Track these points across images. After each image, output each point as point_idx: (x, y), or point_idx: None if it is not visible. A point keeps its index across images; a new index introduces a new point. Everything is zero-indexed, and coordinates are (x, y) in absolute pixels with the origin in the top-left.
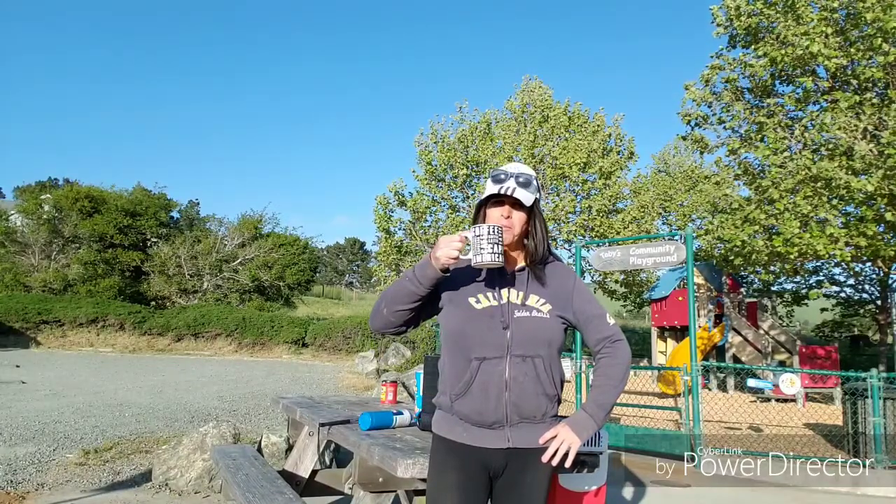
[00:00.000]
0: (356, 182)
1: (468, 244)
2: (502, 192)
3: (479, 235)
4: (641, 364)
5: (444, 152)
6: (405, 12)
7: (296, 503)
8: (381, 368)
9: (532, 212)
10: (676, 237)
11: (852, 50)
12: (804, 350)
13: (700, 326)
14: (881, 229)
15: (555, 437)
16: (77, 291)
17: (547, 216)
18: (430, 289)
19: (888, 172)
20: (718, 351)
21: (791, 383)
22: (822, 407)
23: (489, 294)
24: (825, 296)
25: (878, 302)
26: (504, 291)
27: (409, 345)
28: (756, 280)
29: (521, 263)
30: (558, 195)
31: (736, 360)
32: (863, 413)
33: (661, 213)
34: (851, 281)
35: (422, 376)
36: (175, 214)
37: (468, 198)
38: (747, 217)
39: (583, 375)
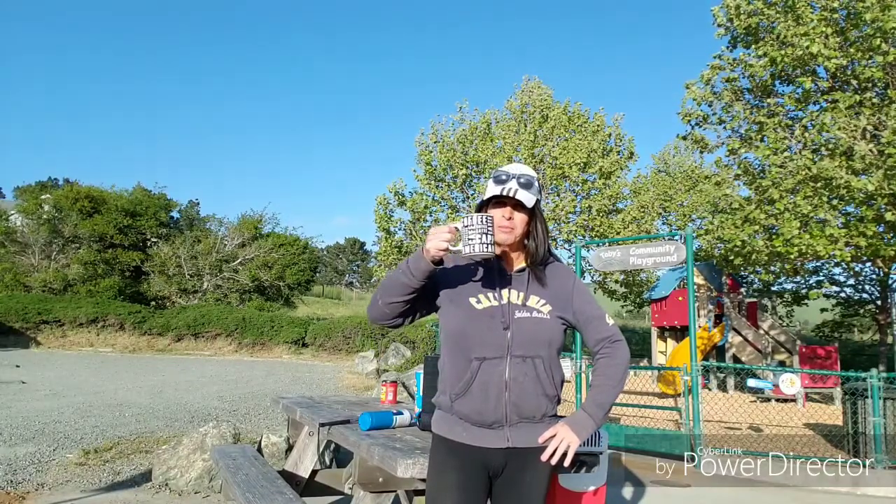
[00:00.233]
0: (356, 182)
1: (461, 236)
2: (504, 193)
3: (468, 226)
4: (641, 364)
5: (444, 152)
6: (405, 12)
7: (296, 503)
8: (381, 368)
9: (533, 213)
10: (676, 237)
11: (852, 50)
12: (804, 350)
13: (700, 326)
14: (881, 229)
15: (554, 436)
16: (77, 291)
17: (547, 216)
18: (424, 281)
19: (888, 172)
20: (718, 351)
21: (791, 383)
22: (822, 407)
23: (490, 294)
24: (825, 296)
25: (878, 302)
26: (505, 292)
27: (409, 345)
28: (756, 280)
29: (521, 264)
30: (558, 195)
31: (736, 360)
32: (863, 413)
33: (661, 213)
34: (851, 281)
35: (422, 376)
36: (175, 214)
37: (468, 198)
38: (747, 217)
39: (583, 375)
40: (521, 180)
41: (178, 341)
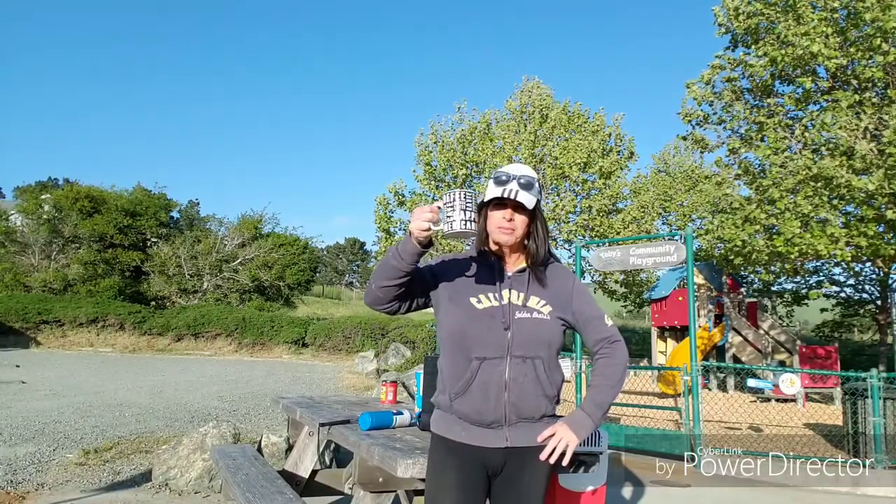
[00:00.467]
0: (356, 182)
1: (442, 214)
2: (505, 195)
3: (448, 203)
4: (641, 364)
5: (444, 153)
6: (405, 12)
7: (296, 503)
8: (381, 368)
9: (534, 214)
10: (676, 237)
11: (852, 50)
12: (804, 350)
13: (700, 326)
14: (881, 229)
15: (552, 435)
16: (77, 291)
17: (547, 216)
18: (413, 264)
19: (889, 172)
20: (718, 351)
21: (791, 383)
22: (822, 407)
23: (490, 294)
24: (825, 296)
25: (878, 302)
26: (505, 292)
27: (409, 345)
28: (756, 280)
29: (521, 265)
30: (558, 195)
31: (736, 360)
32: (863, 413)
33: (661, 213)
34: (851, 281)
35: (422, 376)
36: (175, 214)
37: None
38: (748, 217)
39: (582, 375)
40: (522, 181)
41: (178, 341)
